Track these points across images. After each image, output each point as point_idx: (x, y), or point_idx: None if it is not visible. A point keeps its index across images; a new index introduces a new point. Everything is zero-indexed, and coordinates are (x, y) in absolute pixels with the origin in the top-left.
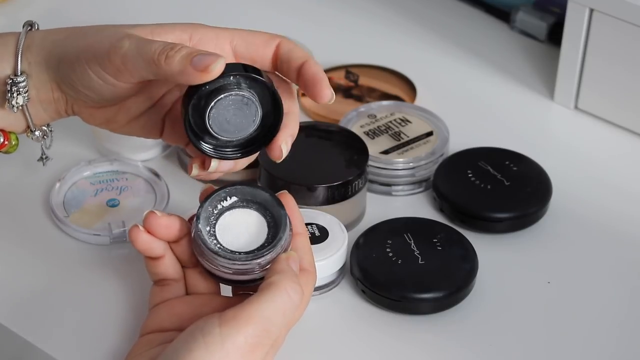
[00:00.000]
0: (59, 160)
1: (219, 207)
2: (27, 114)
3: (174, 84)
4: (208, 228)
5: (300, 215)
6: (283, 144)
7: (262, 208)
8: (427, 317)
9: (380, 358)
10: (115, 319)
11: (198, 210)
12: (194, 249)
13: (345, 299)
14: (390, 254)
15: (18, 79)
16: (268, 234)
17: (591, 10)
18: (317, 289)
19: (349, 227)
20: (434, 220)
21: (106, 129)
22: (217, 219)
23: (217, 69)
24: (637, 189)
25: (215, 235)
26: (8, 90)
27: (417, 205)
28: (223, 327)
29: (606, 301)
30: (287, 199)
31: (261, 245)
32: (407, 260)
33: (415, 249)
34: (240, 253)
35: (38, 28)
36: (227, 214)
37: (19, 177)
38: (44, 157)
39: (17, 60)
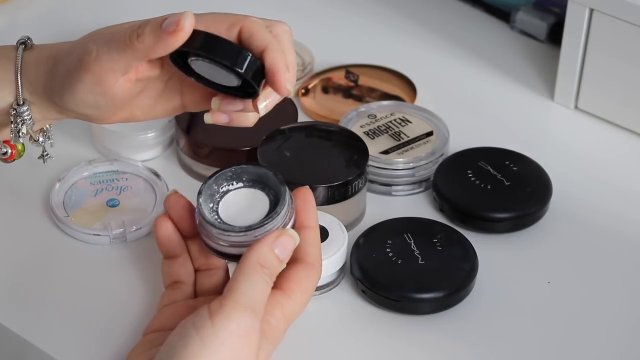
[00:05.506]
0: (59, 160)
1: (223, 186)
2: (31, 133)
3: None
4: (211, 205)
5: (314, 210)
6: (286, 85)
7: (267, 187)
8: (427, 317)
9: (380, 358)
10: (115, 319)
11: (201, 186)
12: (197, 225)
13: (345, 299)
14: (390, 254)
15: (21, 109)
16: (269, 212)
17: (591, 10)
18: (317, 288)
19: (349, 227)
20: (434, 220)
21: (129, 122)
22: (221, 197)
23: (188, 24)
24: (637, 189)
25: (217, 212)
26: (12, 122)
27: (417, 205)
28: (213, 317)
29: (606, 301)
30: (305, 192)
31: (260, 221)
32: (407, 260)
33: (415, 249)
34: (235, 226)
35: (32, 44)
36: (231, 193)
37: (19, 177)
38: (44, 154)
39: (18, 90)
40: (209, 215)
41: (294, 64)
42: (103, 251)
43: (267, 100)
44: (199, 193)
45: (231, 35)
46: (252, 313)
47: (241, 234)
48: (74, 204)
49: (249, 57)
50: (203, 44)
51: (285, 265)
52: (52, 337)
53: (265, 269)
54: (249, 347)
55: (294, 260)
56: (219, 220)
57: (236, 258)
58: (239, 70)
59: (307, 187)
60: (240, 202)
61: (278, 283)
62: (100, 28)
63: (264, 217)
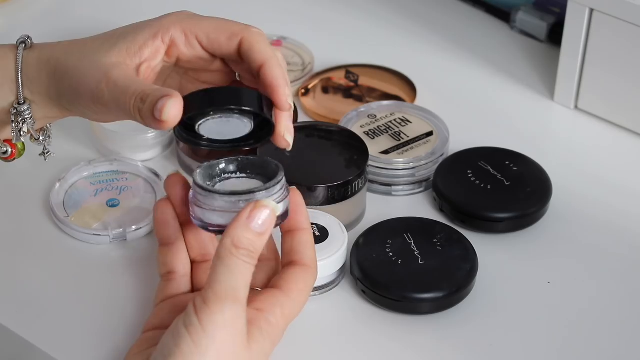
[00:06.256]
0: (59, 160)
1: (222, 173)
2: (32, 132)
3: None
4: (209, 183)
5: (306, 212)
6: (287, 99)
7: (265, 178)
8: (427, 317)
9: (380, 358)
10: (115, 318)
11: (199, 165)
12: (189, 201)
13: (345, 299)
14: (390, 254)
15: (22, 108)
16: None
17: (591, 10)
18: (317, 289)
19: (349, 227)
20: (434, 220)
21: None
22: (218, 182)
23: (172, 115)
24: (637, 188)
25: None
26: (13, 120)
27: (417, 205)
28: (199, 314)
29: (606, 301)
30: (294, 194)
31: (248, 189)
32: (407, 260)
33: (415, 249)
34: (220, 190)
35: (32, 43)
36: (227, 181)
37: (19, 177)
38: (45, 152)
39: (19, 89)
40: (201, 181)
41: (288, 85)
42: (103, 251)
43: (287, 129)
44: (197, 168)
45: (231, 45)
46: (234, 301)
47: (225, 197)
48: (74, 204)
49: (248, 93)
50: (203, 104)
51: (267, 239)
52: (52, 337)
53: (241, 250)
54: (238, 335)
55: (291, 263)
56: (208, 183)
57: (220, 230)
58: (247, 107)
59: (295, 188)
60: (236, 185)
61: (277, 283)
62: (111, 46)
63: (253, 188)
